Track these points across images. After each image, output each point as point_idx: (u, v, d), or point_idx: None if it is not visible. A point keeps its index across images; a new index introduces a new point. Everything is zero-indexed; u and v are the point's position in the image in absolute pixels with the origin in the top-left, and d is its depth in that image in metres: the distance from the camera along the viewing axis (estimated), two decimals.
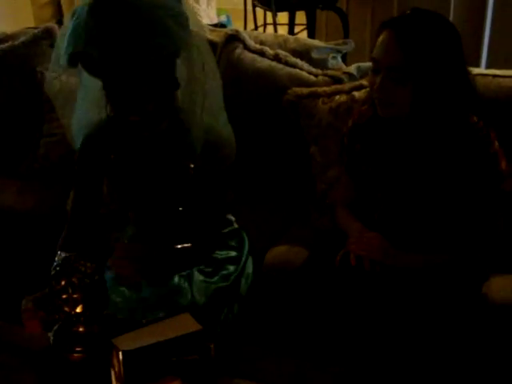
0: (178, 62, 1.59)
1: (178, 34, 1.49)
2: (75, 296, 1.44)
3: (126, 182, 1.74)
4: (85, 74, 1.61)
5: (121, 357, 1.31)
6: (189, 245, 1.67)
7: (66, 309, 1.45)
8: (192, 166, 1.66)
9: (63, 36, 1.52)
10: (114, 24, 1.43)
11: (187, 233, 1.71)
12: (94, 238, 1.78)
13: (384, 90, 1.52)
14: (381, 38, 1.51)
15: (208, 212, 1.71)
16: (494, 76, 1.96)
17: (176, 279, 1.70)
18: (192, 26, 1.57)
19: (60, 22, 4.56)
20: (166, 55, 1.51)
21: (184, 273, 1.71)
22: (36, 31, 2.64)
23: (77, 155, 1.77)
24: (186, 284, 1.69)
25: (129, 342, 1.35)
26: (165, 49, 1.48)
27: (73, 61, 1.51)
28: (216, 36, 2.32)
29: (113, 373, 1.38)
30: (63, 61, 1.52)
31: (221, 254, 1.77)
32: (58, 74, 1.76)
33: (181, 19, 1.52)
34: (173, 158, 1.67)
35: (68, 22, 1.52)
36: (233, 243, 1.81)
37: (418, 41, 1.46)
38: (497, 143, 1.57)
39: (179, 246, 1.67)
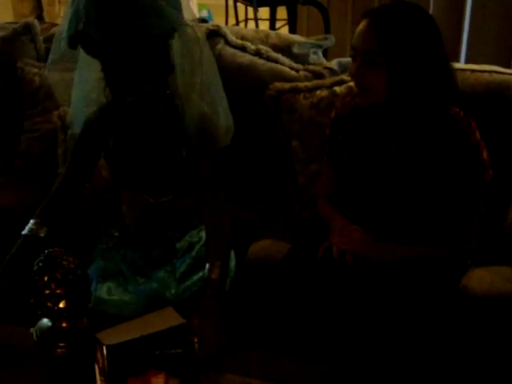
0: (174, 45, 1.63)
1: (170, 14, 1.56)
2: (58, 291, 1.44)
3: (123, 160, 1.77)
4: (82, 60, 1.69)
5: (105, 351, 1.31)
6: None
7: (49, 304, 1.45)
8: (184, 152, 1.71)
9: (63, 24, 1.61)
10: (111, 5, 1.51)
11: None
12: (77, 232, 1.80)
13: (359, 74, 1.56)
14: (359, 26, 1.56)
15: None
16: (473, 71, 1.98)
17: (161, 273, 1.71)
18: (185, 15, 1.64)
19: (40, 17, 4.55)
20: (159, 34, 1.55)
21: (169, 267, 1.72)
22: (16, 26, 2.61)
23: (77, 136, 1.82)
24: (172, 278, 1.70)
25: (112, 336, 1.34)
26: (158, 28, 1.54)
27: (73, 43, 1.58)
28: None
29: (97, 367, 1.38)
30: (64, 44, 1.60)
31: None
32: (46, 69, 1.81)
33: (172, 1, 1.59)
34: (167, 143, 1.72)
35: (67, 10, 1.59)
36: None
37: (391, 26, 1.51)
38: (478, 133, 1.60)
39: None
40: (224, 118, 1.73)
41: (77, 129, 1.82)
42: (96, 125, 1.77)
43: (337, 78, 2.11)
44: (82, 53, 1.67)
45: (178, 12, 1.60)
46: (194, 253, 1.76)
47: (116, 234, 1.86)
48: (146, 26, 1.51)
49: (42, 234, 1.71)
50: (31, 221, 1.73)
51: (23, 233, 1.71)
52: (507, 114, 1.89)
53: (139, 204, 1.81)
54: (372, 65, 1.53)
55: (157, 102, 1.68)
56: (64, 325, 1.48)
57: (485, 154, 1.60)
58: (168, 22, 1.55)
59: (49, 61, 1.76)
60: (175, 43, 1.63)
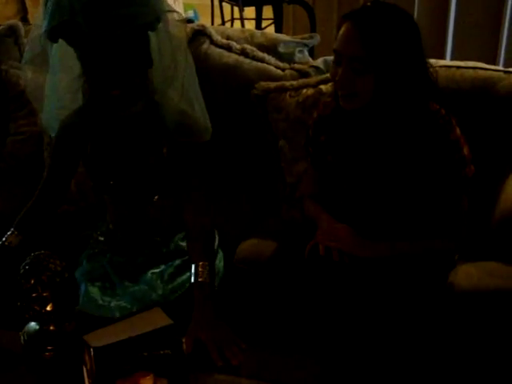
0: (152, 38, 1.61)
1: (154, 2, 1.55)
2: (45, 294, 1.44)
3: (102, 165, 1.75)
4: (55, 61, 1.66)
5: (92, 353, 1.31)
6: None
7: (36, 307, 1.45)
8: (165, 150, 1.69)
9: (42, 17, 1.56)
10: None
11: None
12: (62, 234, 1.79)
13: (345, 80, 1.53)
14: (342, 30, 1.54)
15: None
16: (458, 67, 1.98)
17: (148, 276, 1.70)
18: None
19: (24, 19, 4.53)
20: (144, 23, 1.54)
21: (156, 270, 1.71)
22: None
23: (54, 142, 1.80)
24: (159, 280, 1.69)
25: (100, 338, 1.34)
26: (143, 16, 1.53)
27: (54, 35, 1.54)
28: None
29: (85, 370, 1.37)
30: (44, 38, 1.55)
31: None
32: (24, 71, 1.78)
33: None
34: (147, 141, 1.70)
35: (43, 6, 1.56)
36: None
37: (377, 32, 1.48)
38: (458, 130, 1.60)
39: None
40: (202, 116, 1.73)
41: (52, 132, 1.81)
42: (72, 129, 1.75)
43: (322, 77, 2.10)
44: (54, 53, 1.66)
45: (160, 2, 1.59)
46: (185, 257, 1.76)
47: (101, 238, 1.85)
48: (131, 15, 1.50)
49: (14, 244, 1.72)
50: (11, 229, 1.74)
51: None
52: (492, 109, 1.90)
53: (122, 210, 1.80)
54: (359, 71, 1.50)
55: (138, 97, 1.65)
56: (51, 328, 1.47)
57: (465, 150, 1.60)
58: (153, 10, 1.54)
59: (23, 60, 1.73)
60: (153, 37, 1.61)
